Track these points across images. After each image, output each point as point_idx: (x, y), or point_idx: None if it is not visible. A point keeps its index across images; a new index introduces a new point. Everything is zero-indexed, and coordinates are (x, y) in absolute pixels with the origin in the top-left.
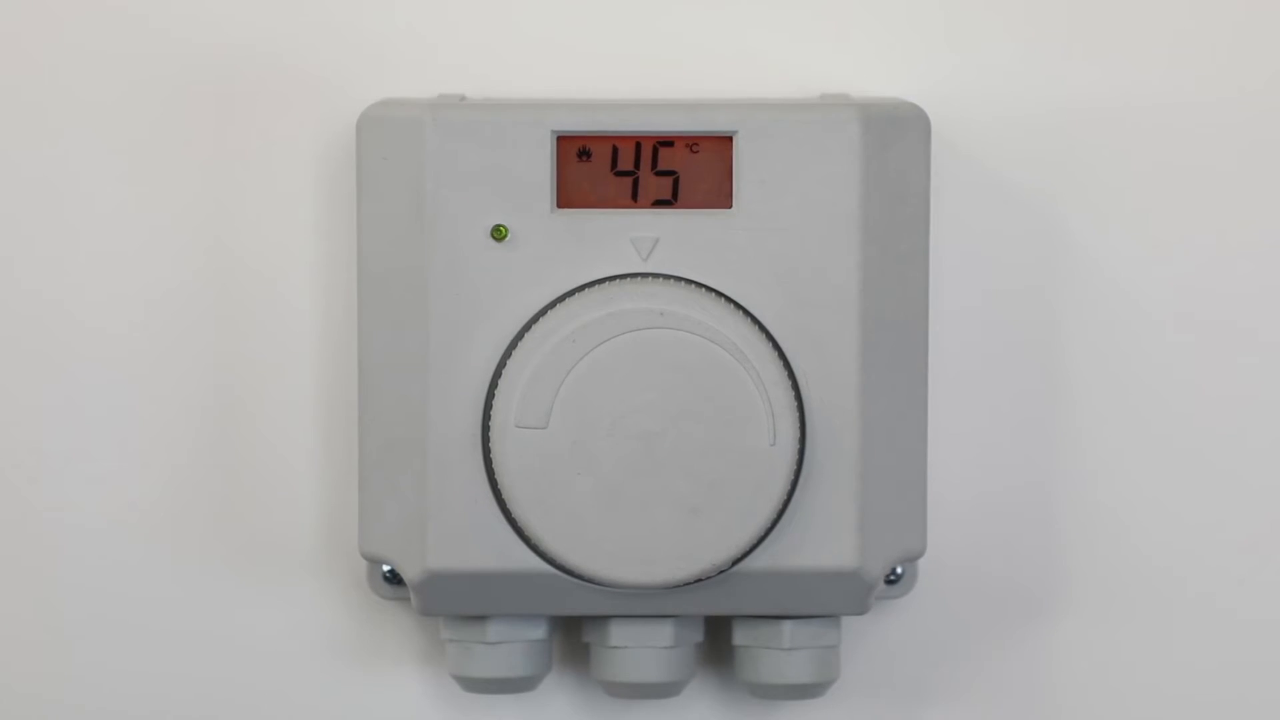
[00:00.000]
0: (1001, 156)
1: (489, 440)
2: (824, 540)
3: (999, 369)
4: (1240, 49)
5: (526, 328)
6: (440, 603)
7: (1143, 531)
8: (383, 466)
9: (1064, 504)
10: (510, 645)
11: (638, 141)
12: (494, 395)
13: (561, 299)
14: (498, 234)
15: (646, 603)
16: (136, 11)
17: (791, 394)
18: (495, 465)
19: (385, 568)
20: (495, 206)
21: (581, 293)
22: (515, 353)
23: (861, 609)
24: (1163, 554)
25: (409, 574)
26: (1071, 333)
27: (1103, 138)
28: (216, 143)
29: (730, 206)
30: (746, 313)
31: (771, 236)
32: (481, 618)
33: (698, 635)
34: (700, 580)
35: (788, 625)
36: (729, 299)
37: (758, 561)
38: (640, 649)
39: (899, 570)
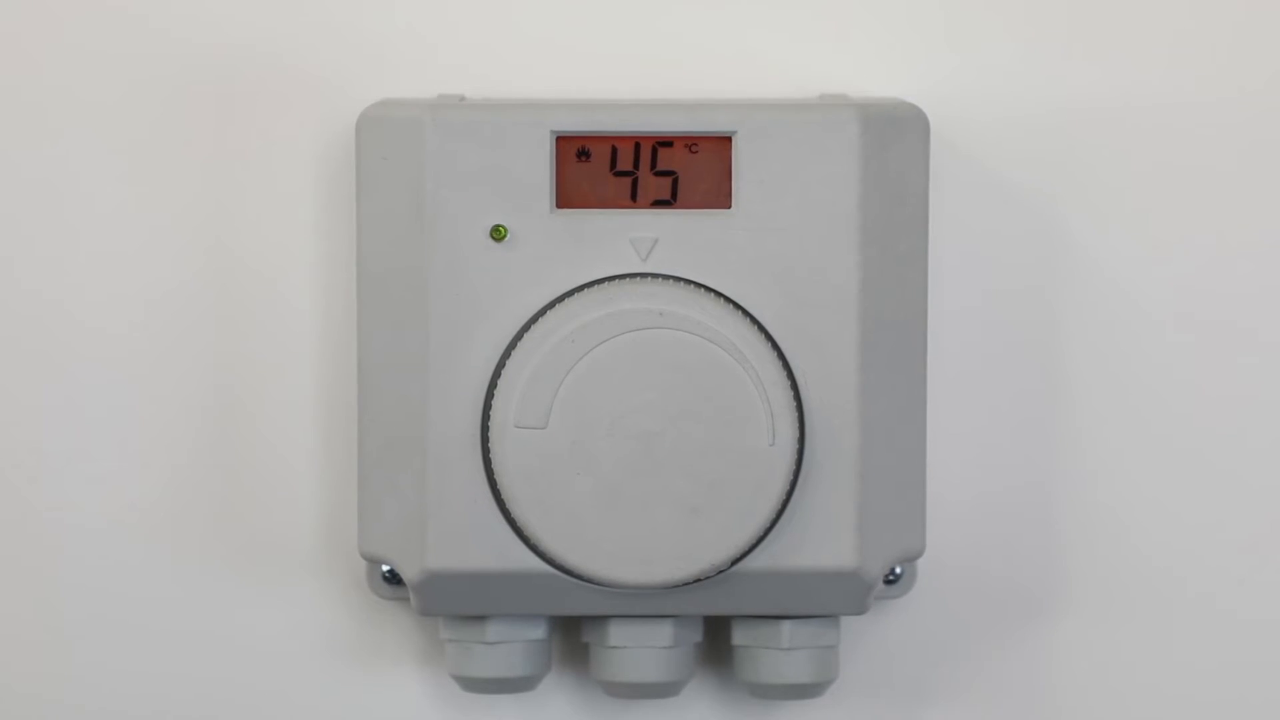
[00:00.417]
0: (1001, 157)
1: (488, 440)
2: (823, 540)
3: (998, 369)
4: (1240, 49)
5: (526, 328)
6: (439, 603)
7: (1142, 531)
8: (382, 466)
9: (1063, 504)
10: (509, 645)
11: (637, 142)
12: (493, 395)
13: (561, 299)
14: (497, 234)
15: (646, 603)
16: (136, 11)
17: (790, 394)
18: (494, 465)
19: (385, 568)
20: (495, 207)
21: (581, 293)
22: (514, 353)
23: (860, 609)
24: (1162, 554)
25: (408, 574)
26: (1071, 333)
27: (1102, 138)
28: (216, 143)
29: (729, 207)
30: (746, 313)
31: (771, 237)
32: (481, 618)
33: (697, 635)
34: (699, 580)
35: (787, 625)
36: (728, 299)
37: (757, 561)
38: (639, 649)
39: (898, 570)
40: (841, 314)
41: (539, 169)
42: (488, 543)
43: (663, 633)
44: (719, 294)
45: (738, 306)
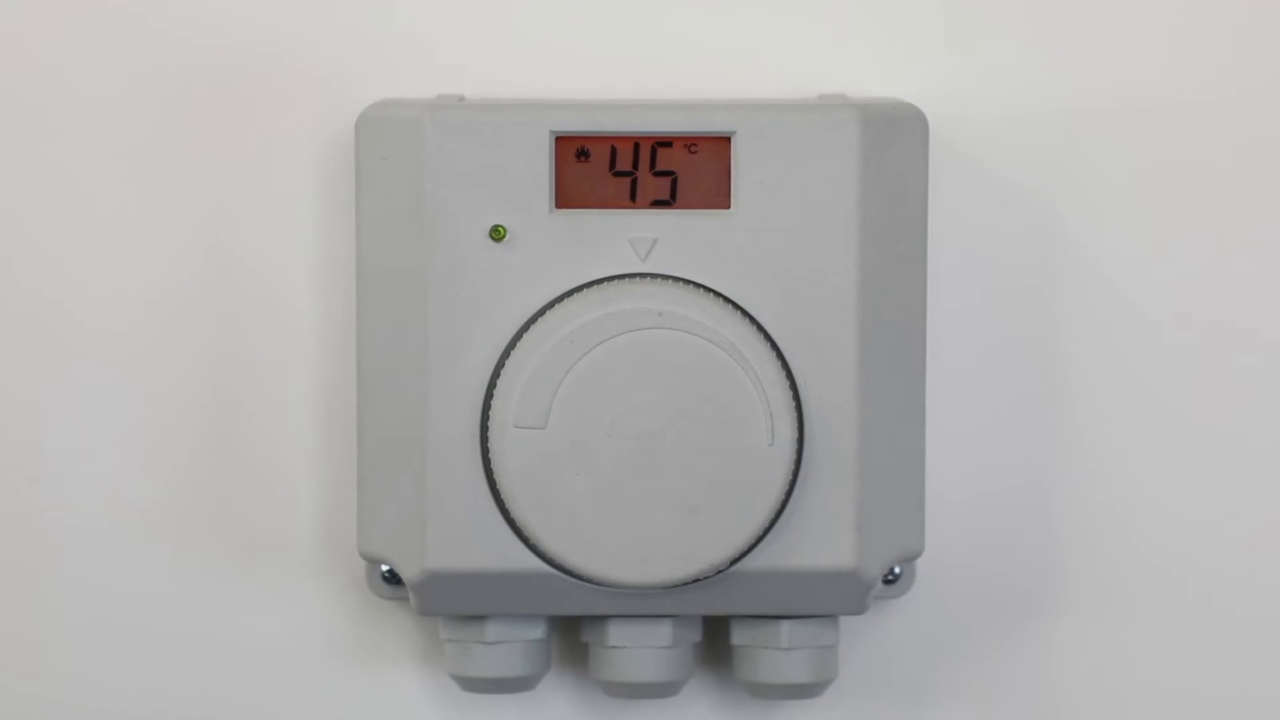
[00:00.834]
0: (1000, 157)
1: (488, 440)
2: (822, 540)
3: (997, 369)
4: (1239, 49)
5: (525, 328)
6: (439, 602)
7: (1141, 531)
8: (382, 466)
9: (1063, 504)
10: (509, 645)
11: (636, 142)
12: (493, 395)
13: (560, 299)
14: (496, 234)
15: (645, 602)
16: (136, 11)
17: (790, 394)
18: (494, 465)
19: (384, 567)
20: (494, 207)
21: (580, 293)
22: (514, 353)
23: (859, 609)
24: (1161, 554)
25: (408, 574)
26: (1070, 333)
27: (1101, 138)
28: (216, 143)
29: (729, 207)
30: (745, 313)
31: (770, 237)
32: (480, 617)
33: (696, 635)
34: (699, 580)
35: (786, 625)
36: (727, 299)
37: (756, 561)
38: (639, 649)
39: (897, 570)
40: (841, 314)
41: (538, 169)
42: (487, 543)
43: (662, 632)
44: (718, 294)
45: (737, 307)
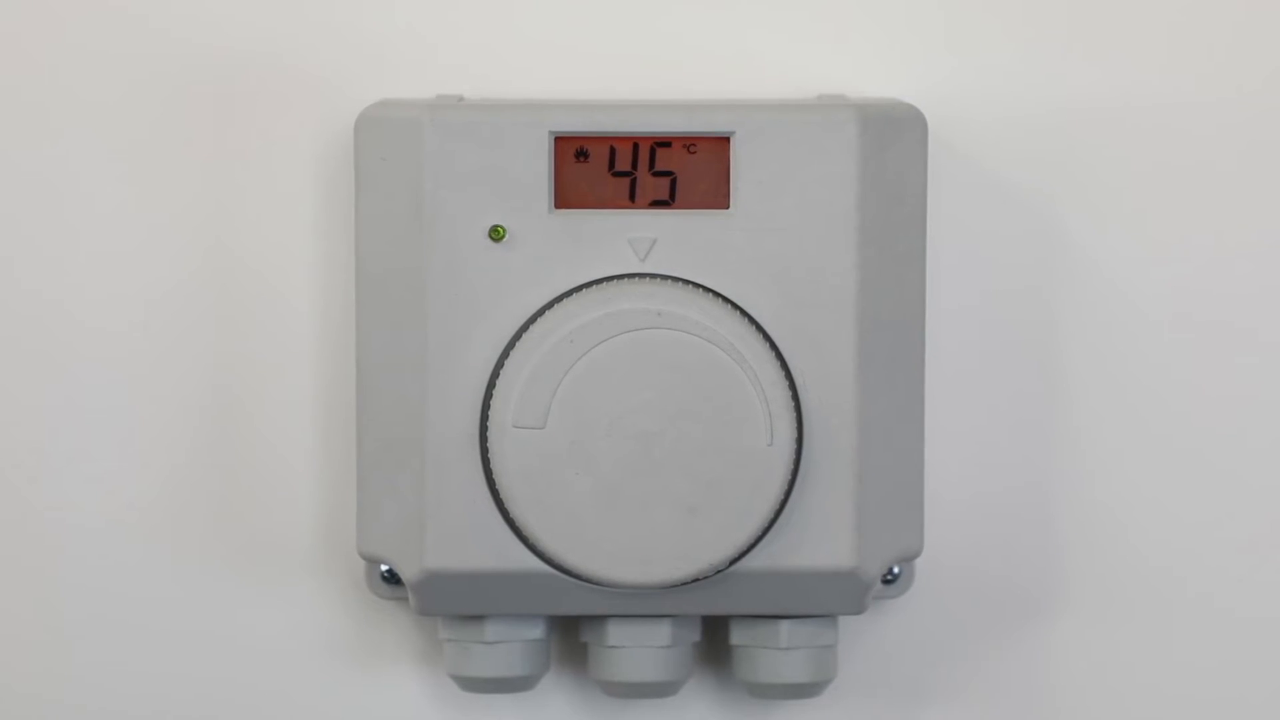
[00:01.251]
0: (999, 157)
1: (487, 440)
2: (821, 540)
3: (996, 369)
4: (1238, 49)
5: (524, 328)
6: (438, 602)
7: (1141, 531)
8: (381, 466)
9: (1062, 504)
10: (508, 645)
11: (635, 142)
12: (492, 395)
13: (559, 299)
14: (496, 234)
15: (644, 602)
16: (136, 12)
17: (789, 394)
18: (493, 465)
19: (383, 567)
20: (493, 207)
21: (579, 293)
22: (513, 353)
23: (859, 609)
24: (1161, 553)
25: (407, 574)
26: (1069, 333)
27: (1100, 138)
28: (216, 143)
29: (728, 207)
30: (744, 313)
31: (769, 237)
32: (479, 617)
33: (695, 635)
34: (698, 580)
35: (785, 625)
36: (726, 299)
37: (755, 561)
38: (638, 648)
39: (896, 570)
40: (840, 314)
41: (537, 169)
42: (486, 542)
43: (661, 632)
44: (717, 294)
45: (736, 306)
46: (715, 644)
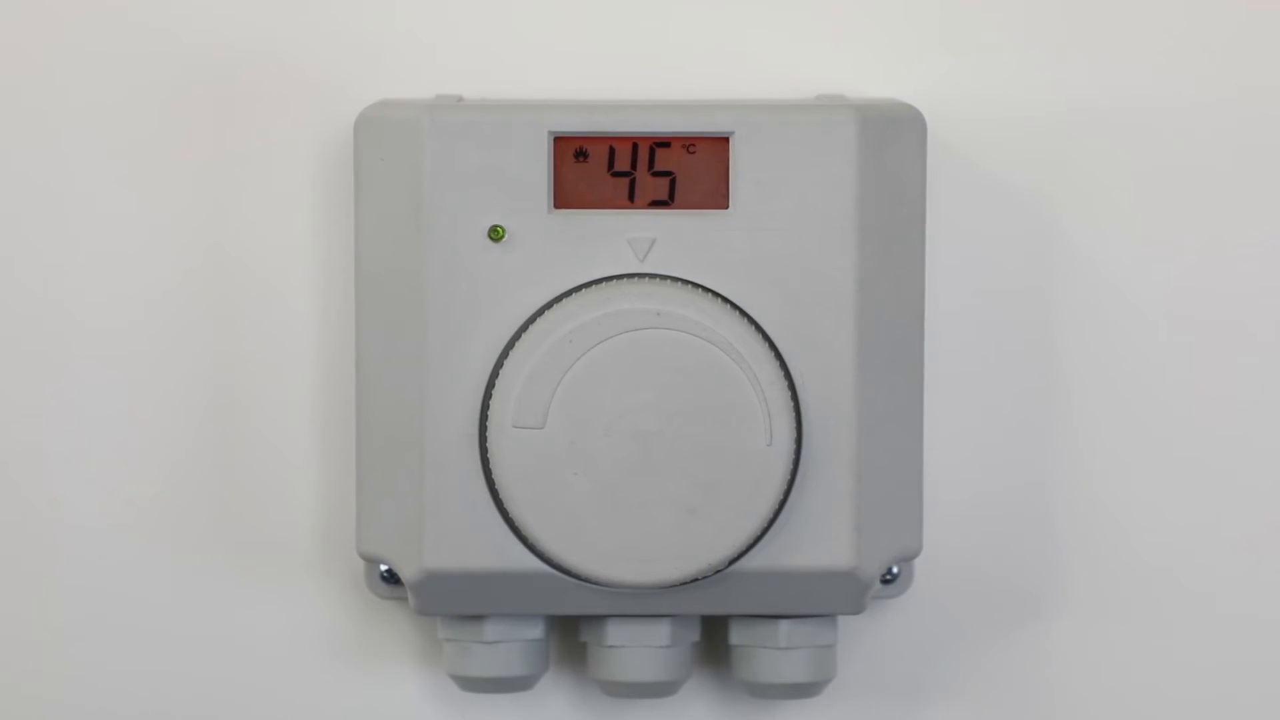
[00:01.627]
0: (997, 157)
1: (486, 440)
2: (820, 540)
3: (995, 369)
4: (1237, 50)
5: (524, 328)
6: (437, 602)
7: (1139, 531)
8: (380, 466)
9: (1060, 504)
10: (507, 645)
11: (634, 142)
12: (491, 395)
13: (559, 299)
14: (495, 234)
15: (643, 602)
16: (136, 12)
17: (788, 394)
18: (492, 465)
19: (383, 567)
20: (493, 207)
21: (579, 293)
22: (512, 353)
23: (857, 608)
24: (1159, 554)
25: (406, 573)
26: (1067, 333)
27: (1099, 138)
28: (216, 143)
29: (727, 207)
30: (743, 313)
31: (768, 237)
32: (479, 617)
33: (694, 635)
34: (697, 580)
35: (784, 625)
36: (726, 299)
37: (754, 561)
38: (637, 648)
39: (895, 570)
40: (839, 314)
41: (537, 169)
42: (486, 542)
43: (660, 632)
44: (716, 294)
45: (735, 307)
46: (714, 644)
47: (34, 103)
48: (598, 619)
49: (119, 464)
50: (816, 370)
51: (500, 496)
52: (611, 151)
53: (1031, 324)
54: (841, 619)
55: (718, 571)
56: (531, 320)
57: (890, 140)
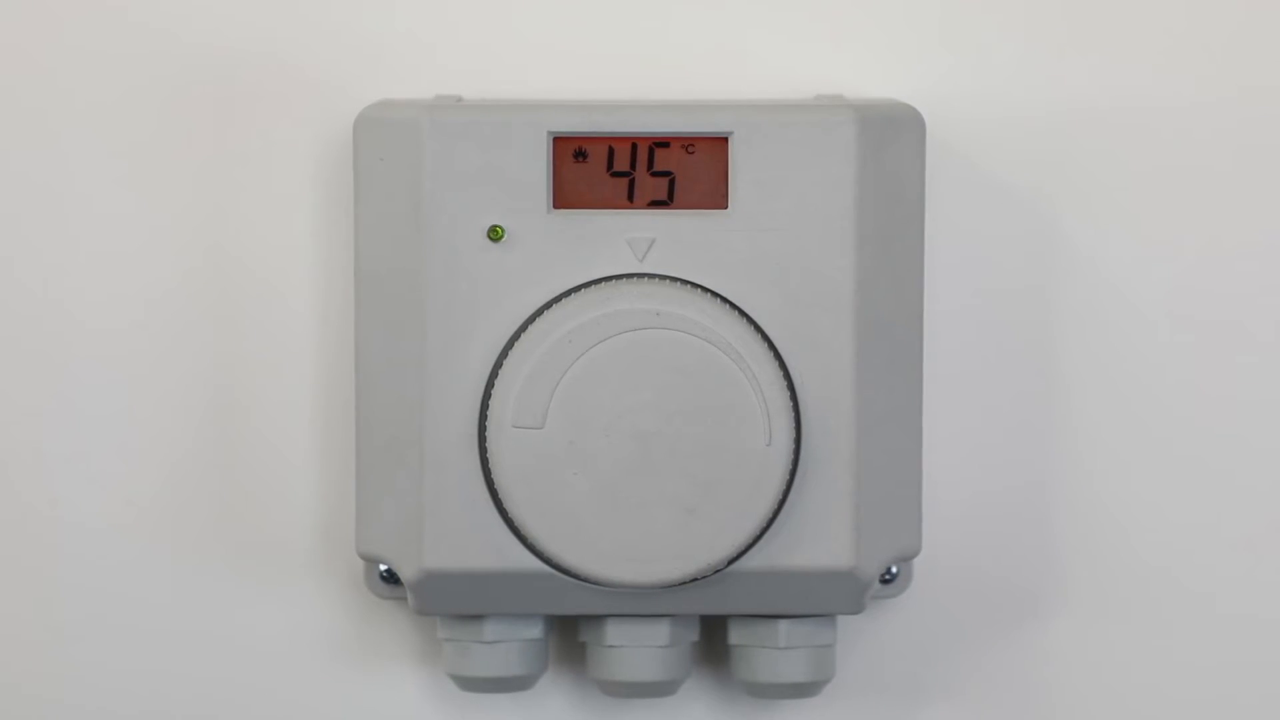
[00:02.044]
0: (997, 157)
1: (485, 440)
2: (819, 540)
3: (994, 369)
4: (1236, 50)
5: (523, 328)
6: (437, 602)
7: (1138, 531)
8: (380, 466)
9: (1059, 503)
10: (507, 644)
11: (634, 142)
12: (491, 395)
13: (558, 299)
14: (494, 234)
15: (642, 602)
16: (136, 12)
17: (787, 394)
18: (492, 465)
19: (382, 567)
20: (492, 207)
21: (578, 293)
22: (512, 353)
23: (857, 608)
24: (1158, 553)
25: (406, 573)
26: (1067, 333)
27: (1098, 138)
28: (215, 143)
29: (726, 207)
30: (742, 313)
31: (767, 237)
32: (478, 617)
33: (693, 634)
34: (696, 580)
35: (783, 624)
36: (725, 299)
37: (753, 561)
38: (636, 648)
39: (894, 570)
40: (838, 314)
41: (536, 169)
42: (485, 542)
43: (659, 632)
44: (716, 294)
45: (734, 307)
46: (714, 643)
47: (34, 103)
48: (597, 619)
49: (119, 464)
50: (816, 370)
51: (500, 496)
52: (611, 151)
53: (1031, 324)
54: (841, 619)
55: (717, 571)
56: (531, 320)
57: (889, 140)
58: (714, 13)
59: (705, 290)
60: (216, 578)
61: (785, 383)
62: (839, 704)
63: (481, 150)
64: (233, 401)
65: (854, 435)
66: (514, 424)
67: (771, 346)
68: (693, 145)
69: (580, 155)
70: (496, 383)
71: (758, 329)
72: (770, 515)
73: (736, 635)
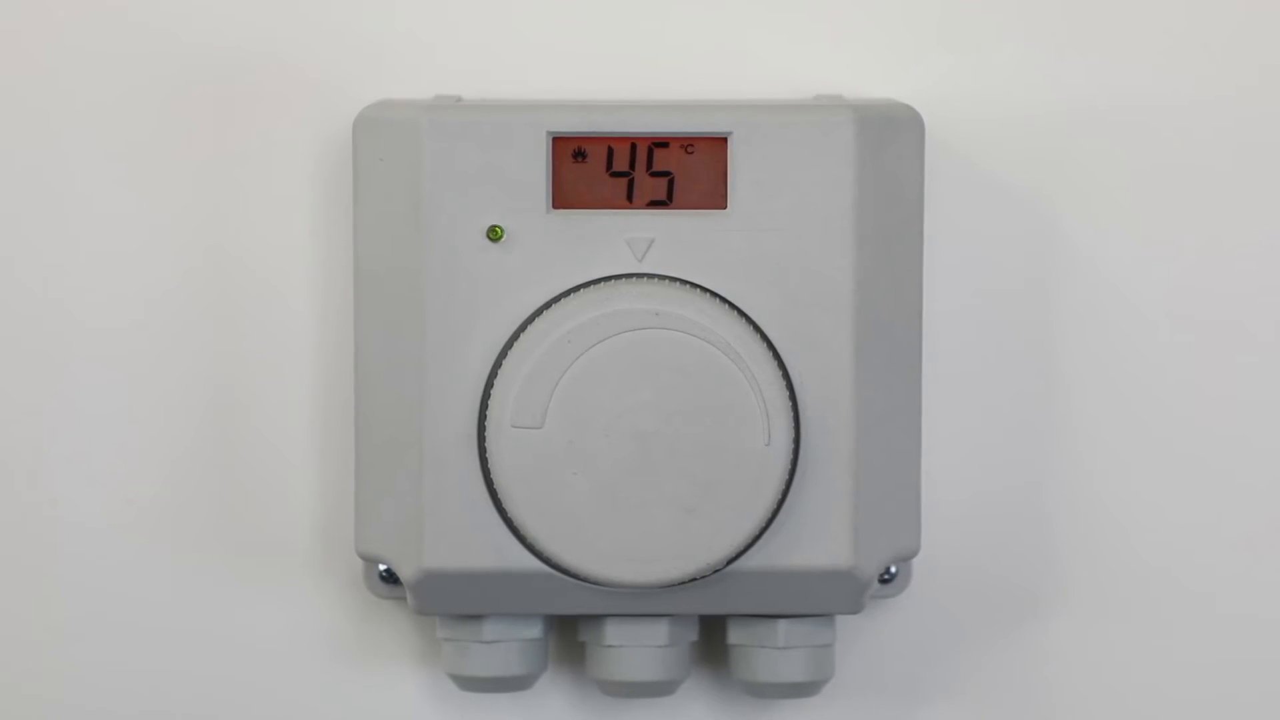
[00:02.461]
0: (996, 157)
1: (485, 440)
2: (818, 539)
3: (993, 369)
4: (1236, 49)
5: (522, 328)
6: (436, 602)
7: (1138, 531)
8: (379, 466)
9: (1058, 503)
10: (506, 644)
11: (633, 142)
12: (490, 395)
13: (557, 299)
14: (494, 234)
15: (642, 602)
16: (136, 12)
17: (786, 394)
18: (491, 465)
19: (381, 567)
20: (491, 207)
21: (577, 293)
22: (511, 353)
23: (856, 608)
24: (1157, 553)
25: (405, 573)
26: (1066, 333)
27: (1097, 138)
28: (215, 144)
29: (725, 207)
30: (741, 313)
31: (766, 237)
32: (477, 617)
33: (693, 634)
34: (695, 580)
35: (782, 624)
36: (724, 299)
37: (752, 561)
38: (636, 648)
39: (893, 569)
40: (837, 314)
41: (535, 169)
42: (484, 542)
43: (659, 632)
44: (715, 294)
45: (733, 307)
46: (713, 643)
47: (34, 103)
48: (596, 618)
49: (119, 464)
50: (815, 370)
51: (499, 496)
52: (610, 152)
53: (1031, 324)
54: (840, 619)
55: (716, 571)
56: (530, 320)
57: (889, 140)
58: (714, 13)
59: (704, 290)
60: (216, 578)
61: (784, 383)
62: (838, 704)
63: (481, 150)
64: (232, 401)
65: (853, 435)
66: (513, 424)
67: (770, 346)
68: (692, 145)
69: (579, 155)
70: (496, 383)
71: (757, 329)
72: (769, 515)
73: (735, 635)
